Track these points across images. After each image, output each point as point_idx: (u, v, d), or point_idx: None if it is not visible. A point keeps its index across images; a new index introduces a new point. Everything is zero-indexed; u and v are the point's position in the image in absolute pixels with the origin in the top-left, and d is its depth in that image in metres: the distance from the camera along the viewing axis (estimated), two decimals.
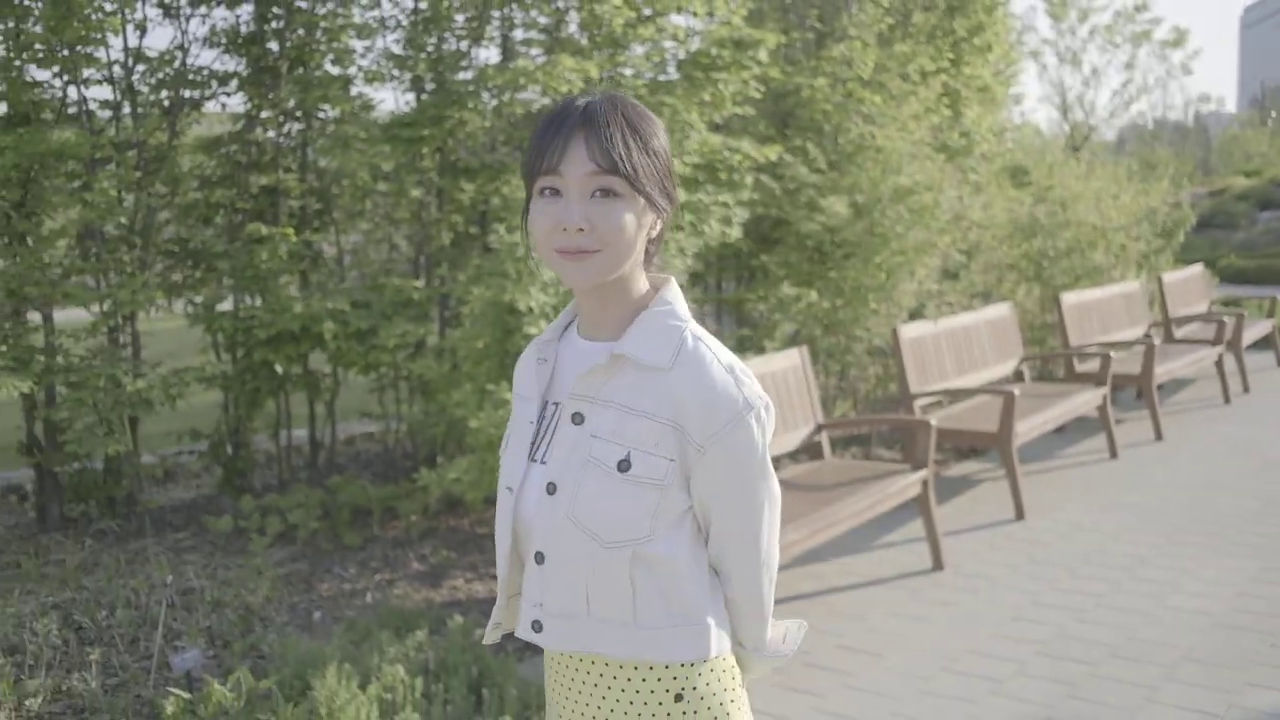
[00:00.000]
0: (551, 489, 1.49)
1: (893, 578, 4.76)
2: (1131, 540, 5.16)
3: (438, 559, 4.93)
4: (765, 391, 1.50)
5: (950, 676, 3.75)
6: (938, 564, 4.85)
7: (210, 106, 5.90)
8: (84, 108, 5.33)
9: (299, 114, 5.95)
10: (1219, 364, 8.44)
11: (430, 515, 5.46)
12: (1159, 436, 7.24)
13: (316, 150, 6.03)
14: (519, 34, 5.99)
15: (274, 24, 5.81)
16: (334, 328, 5.28)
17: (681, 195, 5.23)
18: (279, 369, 5.58)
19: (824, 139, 7.10)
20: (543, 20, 5.84)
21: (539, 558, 1.51)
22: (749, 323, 7.46)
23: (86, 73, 5.25)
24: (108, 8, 5.05)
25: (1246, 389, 8.79)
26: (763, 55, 5.79)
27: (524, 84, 5.26)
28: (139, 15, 5.38)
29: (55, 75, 5.20)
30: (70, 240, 5.39)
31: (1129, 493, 5.98)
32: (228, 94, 5.82)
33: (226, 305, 5.78)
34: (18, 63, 5.02)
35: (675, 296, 1.53)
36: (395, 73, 5.81)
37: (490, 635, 1.66)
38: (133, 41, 5.41)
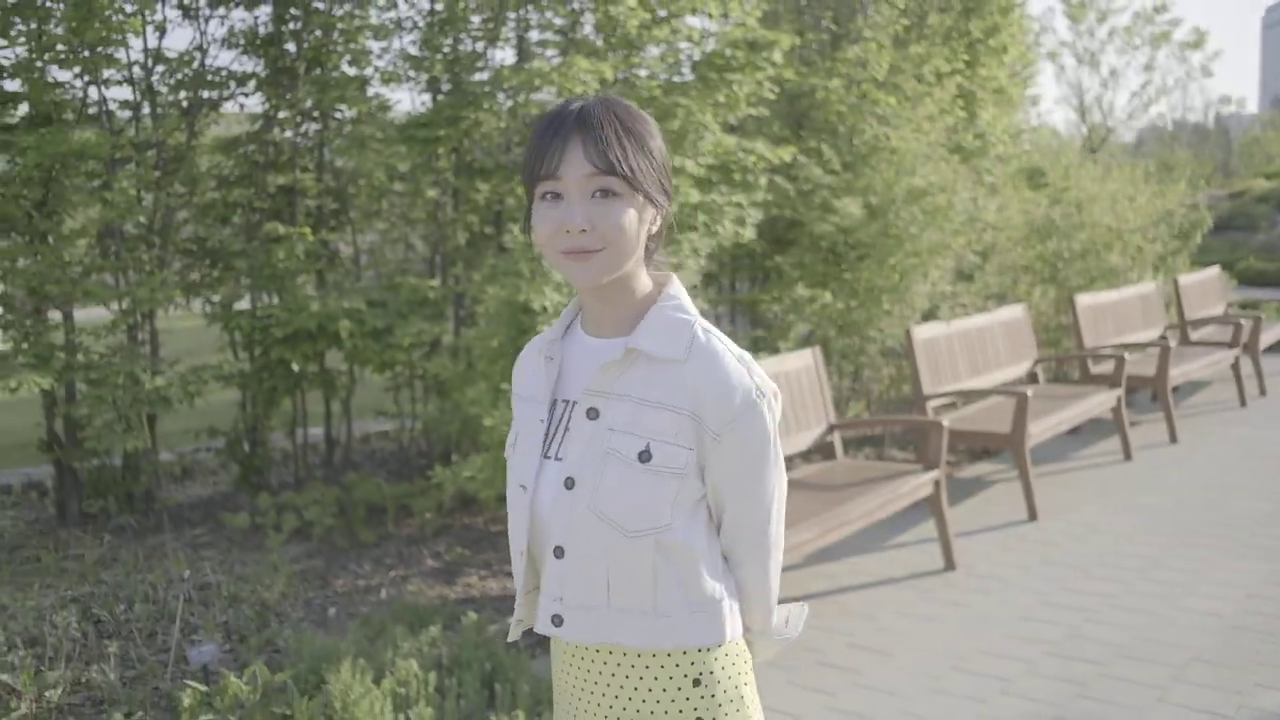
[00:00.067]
0: (570, 484, 1.53)
1: (904, 577, 4.77)
2: (1144, 542, 5.15)
3: (452, 556, 4.97)
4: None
5: (961, 675, 3.76)
6: (949, 564, 4.86)
7: (228, 107, 5.95)
8: (104, 108, 5.39)
9: (316, 114, 6.00)
10: (1235, 366, 8.39)
11: (444, 513, 5.50)
12: (1174, 439, 7.22)
13: (333, 150, 6.07)
14: (534, 35, 6.02)
15: (291, 25, 5.85)
16: (350, 326, 5.32)
17: (695, 196, 5.25)
18: (295, 367, 5.62)
19: (838, 140, 7.09)
20: (558, 22, 5.86)
21: (558, 552, 1.54)
22: (763, 323, 7.46)
23: (107, 73, 5.30)
24: (128, 9, 5.10)
25: (1263, 392, 8.74)
26: (777, 56, 5.79)
27: (539, 85, 5.29)
28: (159, 16, 5.44)
29: (76, 76, 5.25)
30: (90, 239, 5.45)
31: (1142, 494, 5.97)
32: (246, 94, 5.87)
33: (244, 304, 5.82)
34: (40, 63, 5.08)
35: (680, 291, 1.58)
36: (411, 74, 5.86)
37: (514, 632, 1.68)
38: (152, 42, 5.48)
